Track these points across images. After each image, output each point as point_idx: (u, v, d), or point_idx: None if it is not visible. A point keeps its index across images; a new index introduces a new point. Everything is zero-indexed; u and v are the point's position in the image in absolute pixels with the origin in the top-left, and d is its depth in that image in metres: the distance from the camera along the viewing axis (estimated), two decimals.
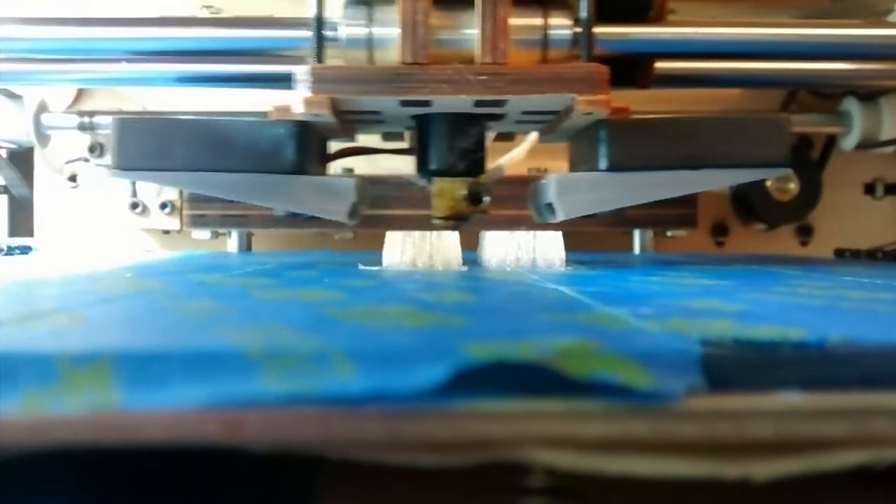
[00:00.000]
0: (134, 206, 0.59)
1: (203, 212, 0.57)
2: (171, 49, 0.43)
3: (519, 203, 0.40)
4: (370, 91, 0.33)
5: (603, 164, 0.34)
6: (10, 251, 0.51)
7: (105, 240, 0.61)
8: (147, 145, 0.33)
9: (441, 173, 0.36)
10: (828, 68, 0.47)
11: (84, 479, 0.14)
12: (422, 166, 0.37)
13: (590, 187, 0.34)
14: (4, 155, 0.60)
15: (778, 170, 0.34)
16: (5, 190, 0.63)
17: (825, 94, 0.61)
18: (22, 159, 0.61)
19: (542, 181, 0.36)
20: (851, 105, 0.57)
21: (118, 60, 0.44)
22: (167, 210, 0.59)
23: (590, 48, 0.37)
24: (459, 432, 0.12)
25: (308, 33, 0.37)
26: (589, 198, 0.34)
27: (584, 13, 0.37)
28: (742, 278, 0.28)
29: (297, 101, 0.33)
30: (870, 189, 0.63)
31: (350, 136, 0.42)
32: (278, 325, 0.15)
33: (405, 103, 0.34)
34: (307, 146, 0.34)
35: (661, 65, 0.44)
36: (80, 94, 0.60)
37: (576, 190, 0.34)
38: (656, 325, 0.15)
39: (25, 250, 0.52)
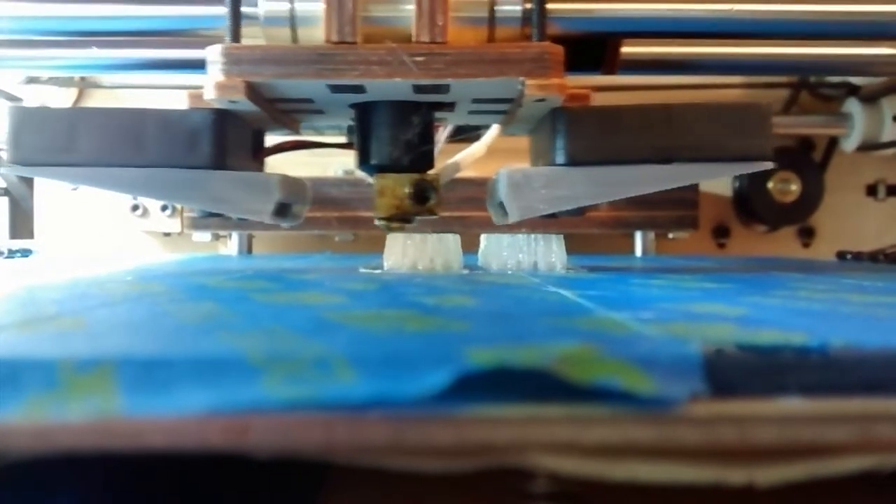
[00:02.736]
0: (134, 207, 0.59)
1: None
2: (72, 30, 0.38)
3: None
4: (291, 73, 0.29)
5: (560, 157, 0.30)
6: (11, 254, 0.51)
7: (106, 242, 0.61)
8: (48, 137, 0.30)
9: (383, 168, 0.33)
10: (836, 53, 0.41)
11: (86, 484, 0.14)
12: (363, 161, 0.34)
13: (546, 184, 0.30)
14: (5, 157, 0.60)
15: (760, 164, 0.30)
16: (6, 192, 0.63)
17: (827, 95, 0.61)
18: None
19: (494, 177, 0.32)
20: (853, 107, 0.58)
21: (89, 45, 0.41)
22: (168, 212, 0.59)
23: (542, 25, 0.32)
24: (462, 438, 0.12)
25: (224, 10, 0.32)
26: (545, 196, 0.30)
27: None
28: (743, 282, 0.27)
29: (208, 85, 0.29)
30: (872, 191, 0.63)
31: (292, 129, 0.38)
32: (280, 329, 0.15)
33: (336, 89, 0.31)
34: (228, 138, 0.31)
35: (632, 49, 0.39)
36: (81, 95, 0.60)
37: (530, 187, 0.30)
38: (658, 330, 0.15)
39: (26, 253, 0.52)
